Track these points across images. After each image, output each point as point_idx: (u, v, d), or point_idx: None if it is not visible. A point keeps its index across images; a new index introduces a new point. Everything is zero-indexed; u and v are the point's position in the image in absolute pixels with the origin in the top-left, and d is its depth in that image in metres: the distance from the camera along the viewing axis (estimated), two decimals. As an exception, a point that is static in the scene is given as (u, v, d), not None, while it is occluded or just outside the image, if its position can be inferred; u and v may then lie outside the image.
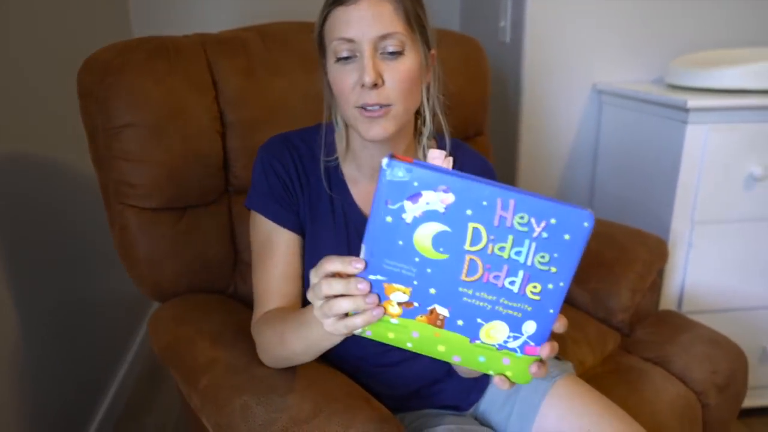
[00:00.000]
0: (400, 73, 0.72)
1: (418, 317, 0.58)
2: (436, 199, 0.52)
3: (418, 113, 0.83)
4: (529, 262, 0.53)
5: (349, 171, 0.85)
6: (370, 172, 0.84)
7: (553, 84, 1.63)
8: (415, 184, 0.51)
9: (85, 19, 1.55)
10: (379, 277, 0.57)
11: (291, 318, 0.72)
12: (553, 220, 0.51)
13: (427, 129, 0.82)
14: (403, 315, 0.58)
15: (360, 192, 0.84)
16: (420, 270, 0.55)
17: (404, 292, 0.57)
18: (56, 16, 1.37)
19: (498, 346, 0.58)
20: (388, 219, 0.54)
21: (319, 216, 0.83)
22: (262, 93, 1.09)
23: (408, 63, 0.73)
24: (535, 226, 0.51)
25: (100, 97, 0.95)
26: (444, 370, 0.88)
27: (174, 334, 0.93)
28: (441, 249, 0.54)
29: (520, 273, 0.53)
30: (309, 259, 0.83)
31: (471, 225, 0.52)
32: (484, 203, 0.51)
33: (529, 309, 0.55)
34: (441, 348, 0.59)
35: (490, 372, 0.61)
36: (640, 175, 1.49)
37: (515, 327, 0.56)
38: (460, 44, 1.38)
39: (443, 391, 0.89)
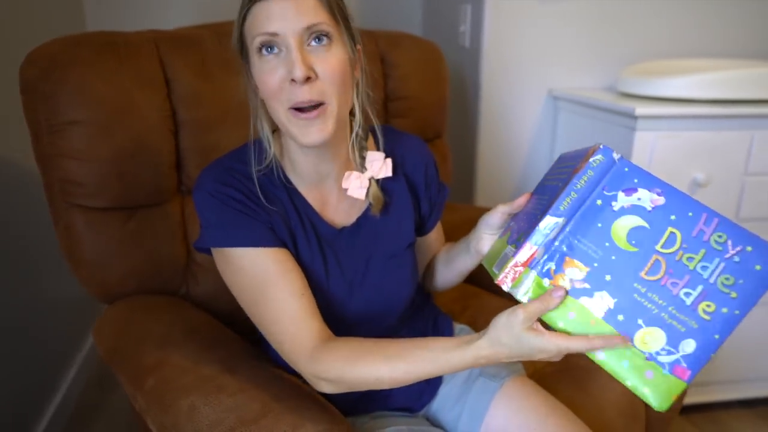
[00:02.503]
0: (331, 64, 0.68)
1: (582, 298, 0.58)
2: (648, 198, 0.56)
3: (351, 113, 0.79)
4: (711, 280, 0.54)
5: (297, 182, 0.81)
6: (313, 178, 0.80)
7: (511, 89, 1.66)
8: (636, 180, 0.57)
9: (36, 12, 1.50)
10: (564, 248, 0.59)
11: (422, 345, 0.67)
12: (749, 248, 0.53)
13: (361, 129, 0.80)
14: (570, 292, 0.59)
15: (316, 201, 0.82)
16: (605, 255, 0.57)
17: (581, 270, 0.58)
18: (5, 7, 1.33)
19: (648, 355, 0.56)
20: (598, 202, 0.58)
21: (296, 231, 0.79)
22: (217, 92, 1.08)
23: (338, 53, 0.70)
24: (730, 248, 0.54)
25: (44, 93, 0.92)
26: None
27: (120, 336, 0.91)
28: (633, 242, 0.56)
29: (699, 288, 0.55)
30: None
31: (670, 229, 0.55)
32: (690, 214, 0.55)
33: (695, 326, 0.55)
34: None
35: (628, 383, 0.58)
36: (592, 179, 1.53)
37: (673, 340, 0.56)
38: (419, 48, 1.40)
39: (395, 394, 0.90)
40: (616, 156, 0.58)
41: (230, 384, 0.77)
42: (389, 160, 0.83)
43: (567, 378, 1.06)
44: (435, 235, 0.96)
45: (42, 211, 1.30)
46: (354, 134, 0.80)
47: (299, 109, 0.69)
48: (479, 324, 1.11)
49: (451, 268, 0.92)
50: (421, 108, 1.40)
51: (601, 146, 0.58)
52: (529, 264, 0.60)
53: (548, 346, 0.59)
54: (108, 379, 1.72)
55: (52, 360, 1.50)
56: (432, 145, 1.48)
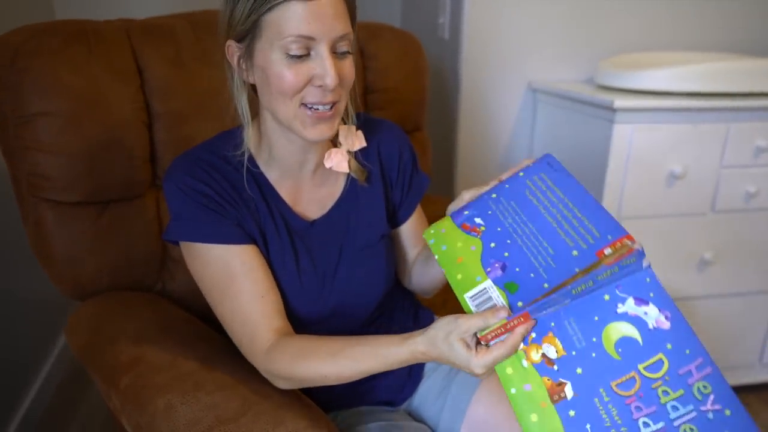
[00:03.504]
0: (350, 71, 0.72)
1: (545, 378, 0.56)
2: (654, 316, 0.54)
3: None
4: (676, 423, 0.52)
5: (271, 173, 0.80)
6: (292, 168, 0.80)
7: (491, 81, 1.65)
8: (651, 294, 0.55)
9: (2, 0, 1.44)
10: (552, 324, 0.57)
11: (365, 342, 0.69)
12: (728, 411, 0.51)
13: (349, 116, 0.82)
14: (536, 366, 0.57)
15: (289, 194, 0.81)
16: (587, 349, 0.55)
17: (558, 351, 0.56)
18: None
19: None
20: (606, 297, 0.55)
21: (265, 226, 0.79)
22: (192, 83, 1.05)
23: (351, 61, 0.72)
24: (710, 402, 0.52)
25: (9, 83, 0.88)
26: None
27: (93, 334, 0.88)
28: (620, 350, 0.55)
29: (660, 424, 0.52)
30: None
31: (661, 355, 0.53)
32: (687, 351, 0.53)
33: None
34: (533, 417, 0.56)
35: None
36: (571, 170, 1.53)
37: None
38: (398, 39, 1.38)
39: (377, 388, 0.89)
40: (645, 263, 0.55)
41: (208, 382, 0.76)
42: (360, 132, 0.84)
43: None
44: (414, 227, 0.93)
45: (12, 206, 1.26)
46: (348, 119, 0.82)
47: (310, 107, 0.70)
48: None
49: (426, 273, 0.88)
50: (401, 100, 1.39)
51: (639, 248, 0.54)
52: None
53: (472, 364, 0.59)
54: (82, 377, 1.68)
55: (24, 359, 1.46)
56: (412, 138, 1.47)
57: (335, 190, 0.84)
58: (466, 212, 0.69)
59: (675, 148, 1.36)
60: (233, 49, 0.72)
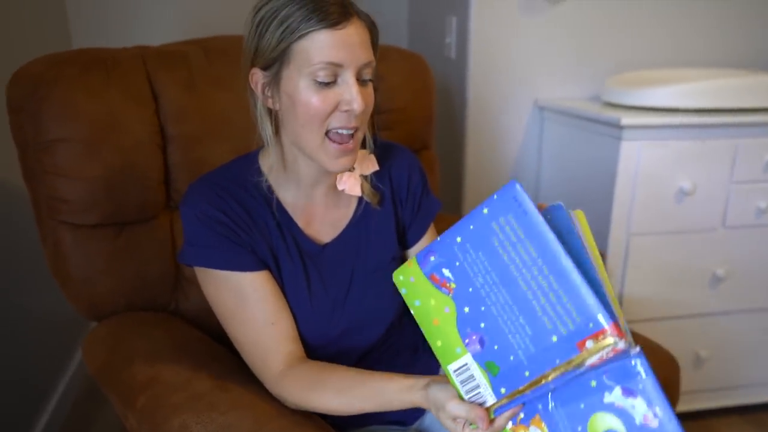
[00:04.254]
0: (372, 97, 0.74)
1: None
2: (642, 411, 0.52)
3: None
4: None
5: (285, 196, 0.82)
6: (307, 190, 0.82)
7: (498, 100, 1.67)
8: (640, 386, 0.52)
9: (22, 31, 1.49)
10: (539, 406, 0.57)
11: (372, 382, 0.72)
12: None
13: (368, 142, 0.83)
14: None
15: (301, 216, 0.83)
16: None
17: None
18: (-12, 24, 1.32)
19: None
20: (593, 383, 0.54)
21: (278, 250, 0.80)
22: (205, 107, 1.08)
23: (372, 89, 0.74)
24: None
25: (30, 111, 0.91)
26: None
27: (110, 354, 0.90)
28: None
29: None
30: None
31: None
32: None
33: None
34: None
35: None
36: (579, 188, 1.54)
37: None
38: (405, 60, 1.41)
39: None
40: (635, 350, 0.52)
41: (222, 402, 0.77)
42: (372, 156, 0.85)
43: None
44: None
45: (32, 228, 1.29)
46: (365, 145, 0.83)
47: (335, 139, 0.73)
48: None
49: None
50: (408, 120, 1.41)
51: (623, 347, 0.51)
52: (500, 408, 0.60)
53: None
54: (97, 396, 1.69)
55: (41, 376, 1.48)
56: (419, 157, 1.49)
57: (348, 212, 0.85)
58: (432, 258, 0.64)
59: (683, 165, 1.37)
60: (258, 77, 0.74)
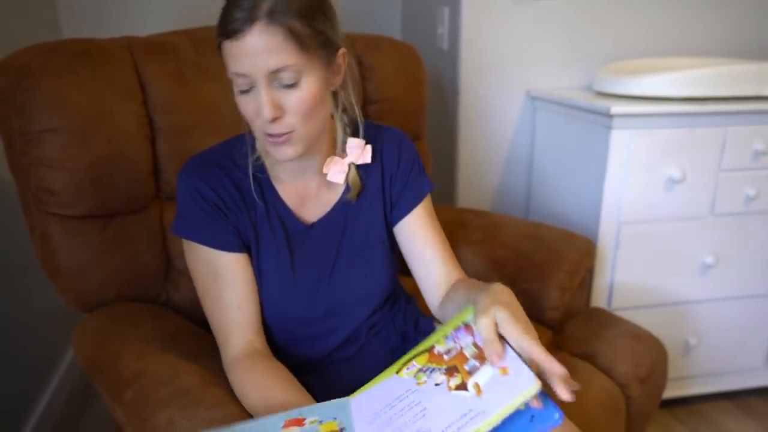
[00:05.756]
0: (298, 102, 0.70)
1: None
2: None
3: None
4: None
5: (277, 178, 0.84)
6: (296, 174, 0.84)
7: (490, 90, 1.67)
8: None
9: (10, 20, 1.48)
10: None
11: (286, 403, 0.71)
12: None
13: (348, 119, 0.83)
14: None
15: (293, 196, 0.84)
16: None
17: None
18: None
19: None
20: None
21: (260, 228, 0.82)
22: (194, 98, 1.08)
23: (306, 90, 0.70)
24: None
25: (16, 102, 0.91)
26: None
27: (98, 347, 0.90)
28: None
29: None
30: (257, 274, 0.82)
31: None
32: None
33: None
34: None
35: None
36: (571, 177, 1.55)
37: None
38: (397, 50, 1.40)
39: None
40: None
41: (208, 397, 0.76)
42: (369, 147, 0.85)
43: (548, 375, 1.07)
44: (414, 229, 0.88)
45: (21, 220, 1.29)
46: (340, 125, 0.82)
47: (269, 138, 0.73)
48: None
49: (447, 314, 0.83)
50: (400, 110, 1.41)
51: None
52: None
53: None
54: (91, 388, 1.70)
55: (35, 369, 1.48)
56: (412, 147, 1.49)
57: (338, 194, 0.86)
58: None
59: (673, 153, 1.37)
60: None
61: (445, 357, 0.65)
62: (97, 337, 0.92)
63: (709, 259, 1.46)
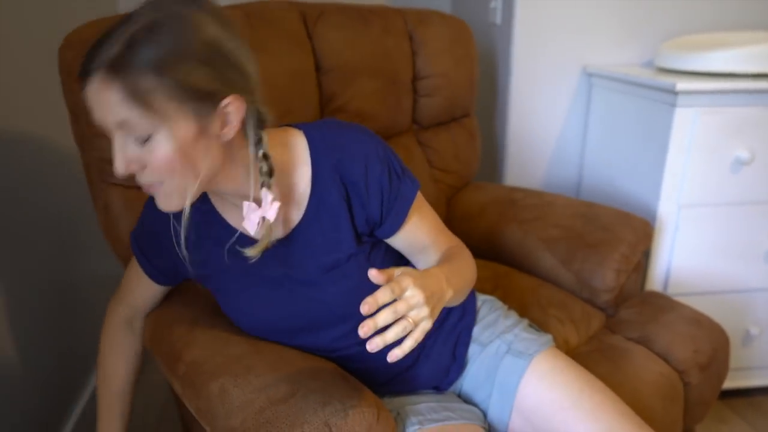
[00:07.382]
0: (154, 161, 0.63)
1: None
2: None
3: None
4: None
5: (224, 209, 0.81)
6: (230, 208, 0.80)
7: (544, 66, 1.62)
8: None
9: (70, -3, 1.52)
10: None
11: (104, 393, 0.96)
12: None
13: (262, 165, 0.71)
14: None
15: (236, 219, 0.80)
16: None
17: None
18: (39, -7, 1.35)
19: None
20: None
21: (217, 262, 0.81)
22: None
23: (162, 147, 0.62)
24: None
25: (81, 74, 0.93)
26: (413, 356, 0.88)
27: (157, 321, 0.93)
28: None
29: None
30: (224, 297, 0.84)
31: None
32: None
33: None
34: None
35: None
36: (628, 157, 1.49)
37: None
38: (447, 25, 1.38)
39: (419, 376, 0.89)
40: None
41: (258, 364, 0.78)
42: (276, 204, 0.72)
43: (602, 357, 1.05)
44: (411, 235, 0.83)
45: (79, 192, 1.33)
46: (254, 173, 0.72)
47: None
48: (509, 303, 1.10)
49: None
50: (450, 86, 1.38)
51: None
52: None
53: None
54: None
55: (91, 340, 1.55)
56: (460, 124, 1.46)
57: (299, 213, 0.79)
58: None
59: (741, 133, 1.30)
60: None
61: None
62: (156, 312, 0.95)
63: (776, 246, 1.39)
